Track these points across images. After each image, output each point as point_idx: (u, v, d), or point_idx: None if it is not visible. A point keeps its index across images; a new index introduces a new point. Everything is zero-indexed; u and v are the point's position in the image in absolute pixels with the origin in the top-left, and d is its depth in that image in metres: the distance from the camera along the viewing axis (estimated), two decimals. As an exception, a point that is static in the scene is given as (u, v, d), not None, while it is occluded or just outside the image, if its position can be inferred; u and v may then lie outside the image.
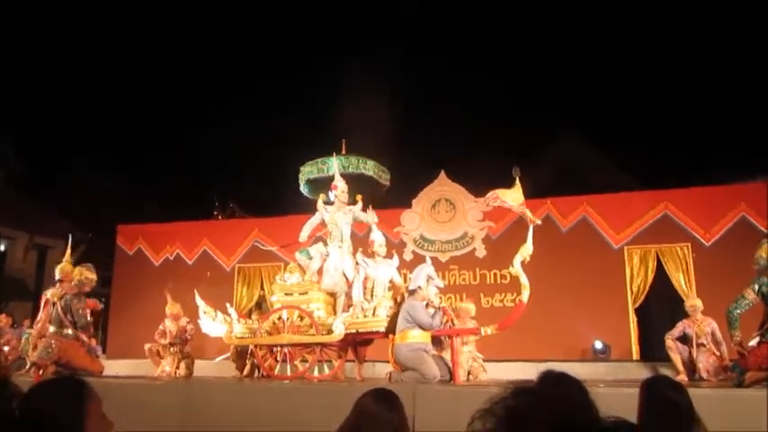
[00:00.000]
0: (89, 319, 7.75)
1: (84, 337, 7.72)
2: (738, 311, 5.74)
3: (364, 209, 7.81)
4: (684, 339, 8.19)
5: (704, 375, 7.85)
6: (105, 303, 12.74)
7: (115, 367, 9.48)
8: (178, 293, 9.29)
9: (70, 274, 7.85)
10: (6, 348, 10.42)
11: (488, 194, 6.99)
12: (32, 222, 20.79)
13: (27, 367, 7.62)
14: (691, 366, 8.03)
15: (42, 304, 7.98)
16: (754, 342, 5.58)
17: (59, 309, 7.55)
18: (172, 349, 8.74)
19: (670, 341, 8.15)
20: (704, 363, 7.90)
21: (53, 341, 7.35)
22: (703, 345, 8.00)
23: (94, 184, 21.91)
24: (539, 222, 6.82)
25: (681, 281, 10.32)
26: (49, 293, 7.89)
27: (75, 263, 8.19)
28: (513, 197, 6.90)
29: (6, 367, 9.36)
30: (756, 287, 5.69)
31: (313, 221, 7.66)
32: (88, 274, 7.79)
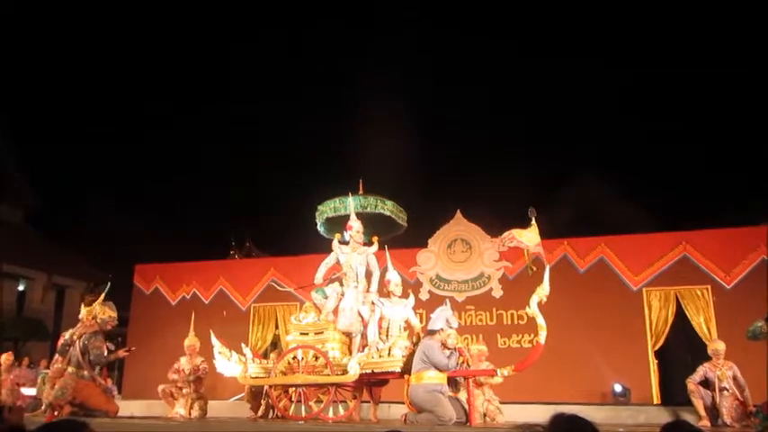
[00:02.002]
0: (106, 356, 7.73)
1: (101, 380, 7.73)
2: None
3: (380, 249, 7.82)
4: (706, 384, 8.01)
5: (727, 421, 7.64)
6: (122, 343, 12.76)
7: (130, 408, 9.45)
8: (195, 332, 9.28)
9: (92, 313, 7.89)
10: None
11: (504, 234, 6.99)
12: (51, 262, 21.01)
13: (43, 408, 7.62)
14: (714, 411, 7.84)
15: (59, 345, 8.00)
16: None
17: (78, 349, 7.57)
18: (185, 390, 8.67)
19: (692, 385, 7.98)
20: (727, 408, 7.71)
21: (70, 381, 7.36)
22: (726, 389, 7.81)
23: (112, 223, 22.17)
24: (537, 265, 6.77)
25: (701, 324, 10.16)
26: (67, 335, 7.92)
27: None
28: (529, 237, 6.90)
29: (20, 408, 9.34)
30: None
31: (328, 262, 7.67)
32: (111, 313, 7.85)
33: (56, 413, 7.21)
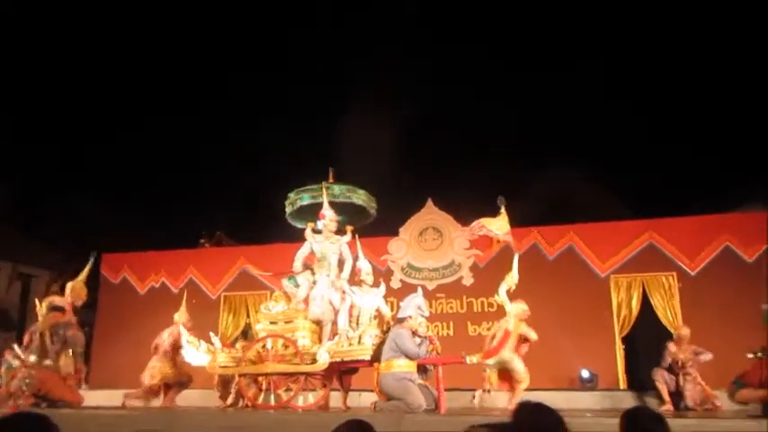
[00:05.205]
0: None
1: (78, 366, 7.71)
2: None
3: (353, 239, 7.80)
4: (671, 368, 8.17)
5: (690, 404, 7.82)
6: (89, 333, 12.57)
7: (97, 398, 9.32)
8: (162, 323, 9.18)
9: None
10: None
11: (474, 223, 7.03)
12: (16, 251, 20.57)
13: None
14: (677, 395, 8.00)
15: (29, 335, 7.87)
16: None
17: (47, 338, 7.42)
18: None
19: (656, 370, 8.15)
20: (690, 391, 7.88)
21: (33, 372, 7.22)
22: (689, 374, 7.99)
23: (79, 212, 21.75)
24: (503, 251, 6.80)
25: (666, 310, 10.34)
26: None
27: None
28: (498, 226, 6.95)
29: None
30: None
31: (304, 251, 7.63)
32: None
33: (19, 403, 7.08)
